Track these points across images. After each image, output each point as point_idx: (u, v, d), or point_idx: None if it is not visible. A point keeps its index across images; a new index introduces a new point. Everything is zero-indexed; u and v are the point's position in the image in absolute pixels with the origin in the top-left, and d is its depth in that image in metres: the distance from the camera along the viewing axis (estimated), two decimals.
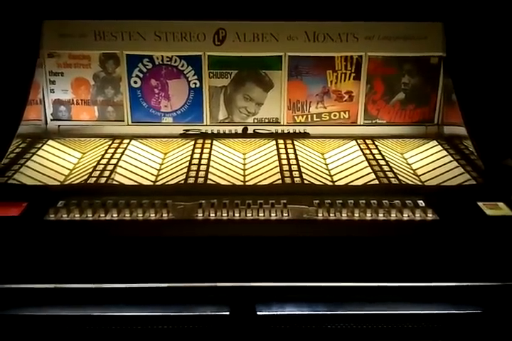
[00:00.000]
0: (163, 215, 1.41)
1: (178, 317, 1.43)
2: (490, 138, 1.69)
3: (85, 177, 1.62)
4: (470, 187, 1.57)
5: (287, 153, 1.78)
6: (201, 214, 1.41)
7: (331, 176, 1.69)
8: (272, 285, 1.39)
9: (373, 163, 1.73)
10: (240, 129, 1.94)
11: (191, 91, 1.92)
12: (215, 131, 1.94)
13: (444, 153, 1.80)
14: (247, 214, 1.41)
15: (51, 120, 1.93)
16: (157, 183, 1.63)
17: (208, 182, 1.59)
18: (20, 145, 1.77)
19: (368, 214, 1.42)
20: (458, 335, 1.47)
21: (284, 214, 1.42)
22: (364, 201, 1.46)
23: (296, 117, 1.95)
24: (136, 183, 1.62)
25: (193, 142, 1.87)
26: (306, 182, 1.60)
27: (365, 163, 1.73)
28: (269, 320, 1.44)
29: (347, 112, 1.95)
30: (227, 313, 1.42)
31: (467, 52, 1.82)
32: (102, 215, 1.41)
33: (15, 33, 1.79)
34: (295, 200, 1.47)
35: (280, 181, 1.60)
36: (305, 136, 1.93)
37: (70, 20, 1.84)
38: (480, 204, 1.46)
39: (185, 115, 1.95)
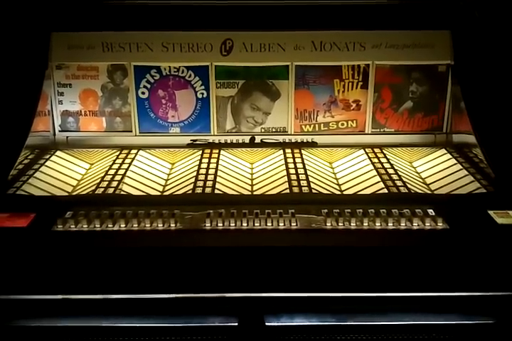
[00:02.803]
0: (171, 225, 1.41)
1: (187, 328, 1.42)
2: (499, 146, 1.67)
3: (93, 187, 1.63)
4: (480, 196, 1.56)
5: (295, 163, 1.78)
6: (209, 224, 1.41)
7: (339, 185, 1.68)
8: (281, 295, 1.38)
9: (382, 171, 1.72)
10: (247, 139, 1.94)
11: (198, 101, 1.93)
12: (223, 141, 1.94)
13: (454, 161, 1.79)
14: (255, 224, 1.40)
15: (59, 131, 1.94)
16: (165, 193, 1.63)
17: (216, 191, 1.59)
18: (29, 157, 1.78)
19: (377, 224, 1.41)
20: None
21: (293, 224, 1.41)
22: (373, 210, 1.44)
23: (303, 126, 1.95)
24: (143, 193, 1.62)
25: (200, 152, 1.87)
26: (314, 191, 1.59)
27: (374, 172, 1.72)
28: (278, 331, 1.42)
29: (355, 121, 1.95)
30: (236, 324, 1.41)
31: (475, 60, 1.82)
32: (109, 226, 1.41)
33: (23, 45, 1.81)
34: (303, 209, 1.46)
35: (288, 190, 1.59)
36: (313, 145, 1.92)
37: (77, 32, 1.85)
38: (490, 212, 1.45)
39: (193, 125, 1.95)
